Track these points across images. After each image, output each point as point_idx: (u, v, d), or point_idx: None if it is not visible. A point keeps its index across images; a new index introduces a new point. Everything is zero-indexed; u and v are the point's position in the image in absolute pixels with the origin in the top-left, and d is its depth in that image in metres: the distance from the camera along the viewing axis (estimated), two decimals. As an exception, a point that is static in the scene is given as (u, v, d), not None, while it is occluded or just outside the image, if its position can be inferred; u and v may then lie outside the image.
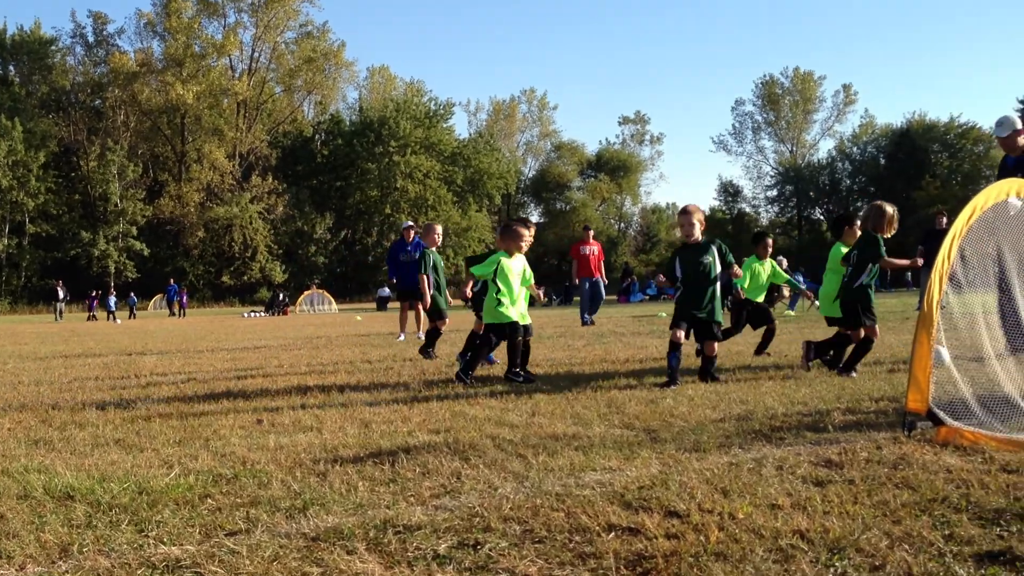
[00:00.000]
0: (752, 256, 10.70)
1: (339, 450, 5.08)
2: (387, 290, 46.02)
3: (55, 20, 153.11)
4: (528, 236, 8.91)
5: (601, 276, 20.11)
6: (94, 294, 48.73)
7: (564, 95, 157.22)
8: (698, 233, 8.11)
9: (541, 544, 3.23)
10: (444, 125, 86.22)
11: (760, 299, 10.58)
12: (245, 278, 75.25)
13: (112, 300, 47.30)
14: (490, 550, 3.17)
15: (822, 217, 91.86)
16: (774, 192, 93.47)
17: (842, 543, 3.10)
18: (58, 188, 71.09)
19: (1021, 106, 70.83)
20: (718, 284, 8.15)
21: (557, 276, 63.93)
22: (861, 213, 8.80)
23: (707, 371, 8.08)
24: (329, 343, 16.03)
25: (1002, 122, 9.51)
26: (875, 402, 6.39)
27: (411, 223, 17.35)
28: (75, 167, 74.76)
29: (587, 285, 19.88)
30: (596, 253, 20.06)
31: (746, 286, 10.47)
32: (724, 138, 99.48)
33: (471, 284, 9.81)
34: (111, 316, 44.83)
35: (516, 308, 8.56)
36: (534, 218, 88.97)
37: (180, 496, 4.04)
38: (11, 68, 78.22)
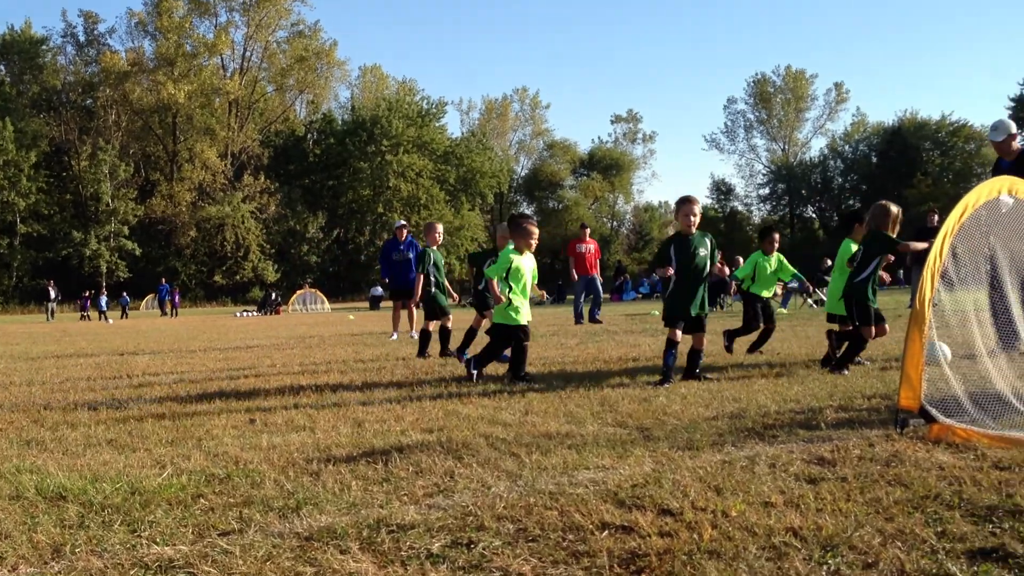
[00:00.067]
0: (757, 251, 10.74)
1: (332, 449, 5.07)
2: (380, 289, 46.03)
3: (46, 20, 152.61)
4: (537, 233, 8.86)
5: (597, 274, 20.11)
6: (87, 294, 48.61)
7: (556, 94, 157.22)
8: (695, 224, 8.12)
9: (535, 543, 3.23)
10: (436, 124, 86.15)
11: (767, 294, 10.57)
12: (237, 277, 75.10)
13: (104, 300, 47.19)
14: (484, 549, 3.16)
15: (814, 215, 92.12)
16: (766, 190, 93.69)
17: (835, 540, 3.11)
18: (49, 188, 70.88)
19: (1013, 104, 71.13)
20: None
21: (550, 275, 63.98)
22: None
23: (695, 366, 8.06)
24: (322, 342, 16.01)
25: (997, 126, 9.57)
26: (867, 399, 6.40)
27: (404, 222, 17.32)
28: (66, 167, 74.53)
29: (583, 283, 19.88)
30: (593, 251, 20.06)
31: (751, 281, 10.50)
32: (716, 136, 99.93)
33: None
34: (103, 316, 44.72)
35: (525, 309, 8.55)
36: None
37: (173, 496, 4.03)
38: (2, 68, 77.86)
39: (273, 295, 49.26)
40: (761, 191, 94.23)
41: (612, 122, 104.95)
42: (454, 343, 10.93)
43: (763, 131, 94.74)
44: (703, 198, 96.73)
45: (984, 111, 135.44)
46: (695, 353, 8.12)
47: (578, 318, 19.56)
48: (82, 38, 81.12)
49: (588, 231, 21.06)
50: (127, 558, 3.18)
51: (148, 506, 3.87)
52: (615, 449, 4.81)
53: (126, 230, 72.03)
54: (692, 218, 8.01)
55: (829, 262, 32.81)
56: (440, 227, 12.44)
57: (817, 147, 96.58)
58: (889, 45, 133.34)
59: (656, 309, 22.93)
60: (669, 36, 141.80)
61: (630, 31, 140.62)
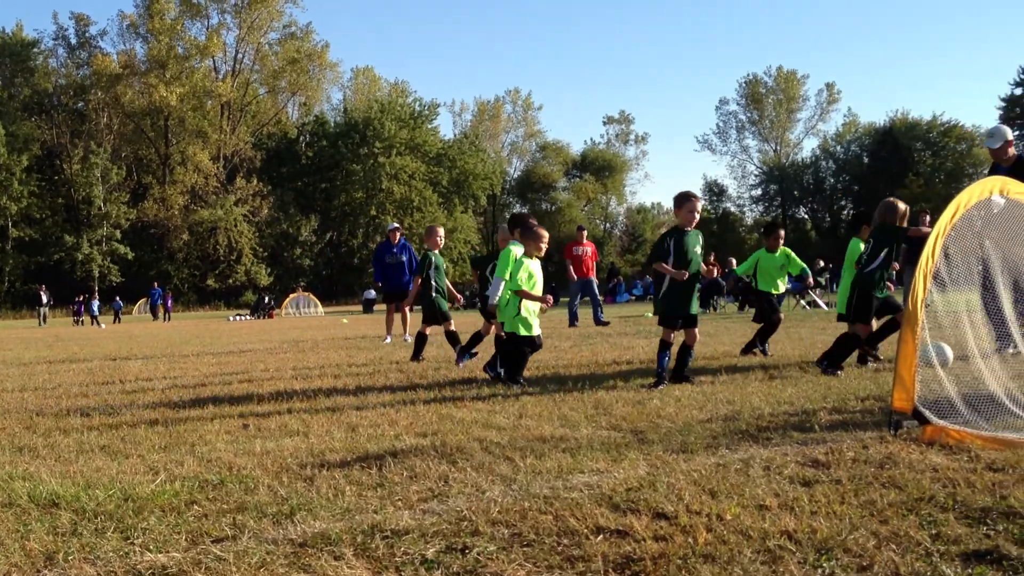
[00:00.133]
0: (761, 249, 10.78)
1: (326, 454, 5.07)
2: (373, 292, 45.98)
3: (37, 22, 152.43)
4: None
5: (594, 276, 20.09)
6: (80, 298, 48.48)
7: (549, 95, 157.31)
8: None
9: (529, 547, 3.22)
10: (429, 126, 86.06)
11: (776, 290, 10.59)
12: (230, 281, 74.91)
13: (96, 304, 47.05)
14: (478, 554, 3.16)
15: (807, 216, 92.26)
16: (758, 191, 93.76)
17: (830, 543, 3.11)
18: (41, 192, 70.63)
19: (1004, 104, 71.37)
20: None
21: (544, 277, 63.87)
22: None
23: (684, 365, 8.03)
24: (315, 346, 15.98)
25: (993, 133, 9.62)
26: (861, 401, 6.42)
27: (397, 225, 17.30)
28: (58, 170, 74.31)
29: (580, 286, 19.88)
30: (590, 254, 20.03)
31: (754, 278, 10.55)
32: (708, 137, 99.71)
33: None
34: (95, 321, 44.60)
35: (536, 319, 8.52)
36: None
37: (166, 502, 4.02)
38: (-8, 71, 77.73)
39: (266, 299, 49.18)
40: (753, 192, 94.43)
41: (604, 123, 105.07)
42: (441, 348, 10.91)
43: (755, 132, 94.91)
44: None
45: (975, 112, 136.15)
46: (687, 349, 8.09)
47: (572, 320, 19.55)
48: (73, 41, 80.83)
49: (585, 233, 21.04)
50: (120, 565, 3.17)
51: (141, 513, 3.86)
52: (609, 453, 4.81)
53: (118, 234, 71.79)
54: (695, 214, 8.02)
55: (822, 263, 32.99)
56: (441, 230, 12.42)
57: (809, 148, 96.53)
58: (880, 45, 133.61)
59: (649, 311, 22.94)
60: (661, 37, 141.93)
61: (622, 32, 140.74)
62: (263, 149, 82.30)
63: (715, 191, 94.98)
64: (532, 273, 8.38)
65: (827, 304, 24.48)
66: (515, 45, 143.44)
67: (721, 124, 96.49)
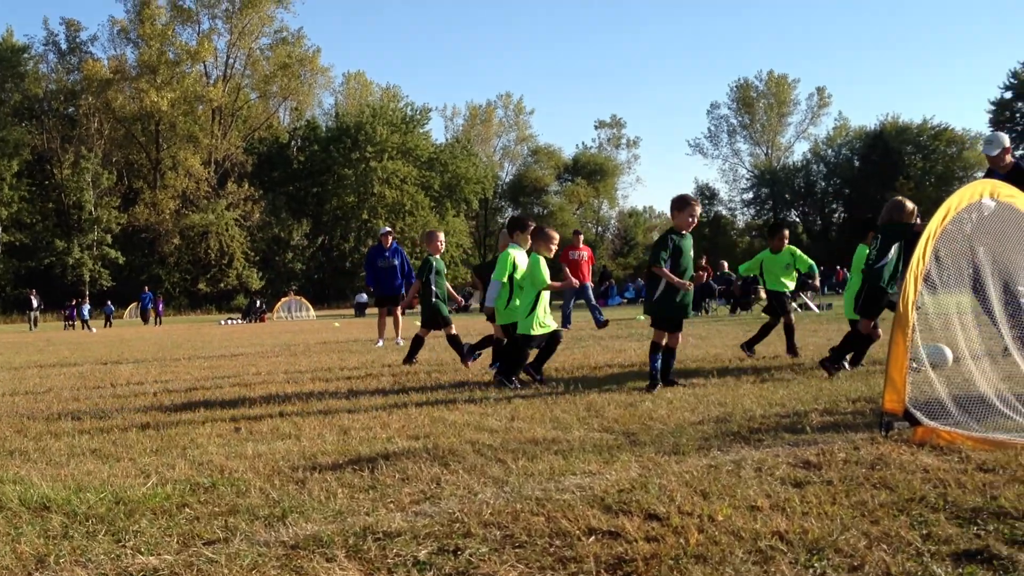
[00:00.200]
0: (765, 250, 10.81)
1: (318, 457, 5.06)
2: (365, 296, 45.94)
3: (27, 28, 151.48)
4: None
5: (588, 281, 20.08)
6: (72, 303, 48.34)
7: (540, 99, 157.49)
8: None
9: (521, 549, 3.22)
10: (421, 130, 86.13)
11: (784, 289, 10.60)
12: (222, 285, 74.81)
13: (86, 309, 46.91)
14: (470, 556, 3.16)
15: (798, 219, 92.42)
16: (750, 195, 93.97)
17: (821, 544, 3.12)
18: (32, 196, 70.50)
19: (993, 108, 71.64)
20: None
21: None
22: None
23: (669, 369, 8.04)
24: (307, 350, 15.96)
25: (991, 140, 9.67)
26: (852, 403, 6.43)
27: (389, 229, 17.30)
28: (49, 175, 74.14)
29: (574, 289, 19.84)
30: (586, 258, 20.01)
31: (760, 278, 10.61)
32: (700, 141, 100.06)
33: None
34: (85, 325, 44.48)
35: (549, 315, 8.63)
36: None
37: (157, 505, 4.01)
38: (-17, 76, 77.50)
39: (258, 303, 49.09)
40: (745, 196, 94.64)
41: (596, 127, 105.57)
42: (432, 351, 10.89)
43: (746, 136, 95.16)
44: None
45: (965, 115, 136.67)
46: (671, 352, 8.10)
47: (565, 322, 19.55)
48: (64, 46, 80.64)
49: (582, 238, 21.01)
50: (112, 568, 3.17)
51: (133, 516, 3.85)
52: (601, 454, 4.81)
53: (109, 238, 71.65)
54: (694, 219, 8.04)
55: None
56: (442, 235, 12.41)
57: (800, 151, 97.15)
58: (871, 50, 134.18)
59: (640, 314, 22.95)
60: (653, 42, 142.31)
61: (614, 37, 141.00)
62: (254, 154, 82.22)
63: (707, 195, 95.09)
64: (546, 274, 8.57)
65: (818, 307, 24.54)
66: (507, 50, 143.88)
67: (713, 128, 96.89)
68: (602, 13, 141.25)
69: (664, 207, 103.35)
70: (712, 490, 3.92)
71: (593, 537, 3.31)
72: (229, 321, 44.23)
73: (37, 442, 6.06)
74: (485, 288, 10.34)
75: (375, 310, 18.53)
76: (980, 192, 5.47)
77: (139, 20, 76.58)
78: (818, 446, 4.80)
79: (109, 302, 53.79)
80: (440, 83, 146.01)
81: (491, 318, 9.65)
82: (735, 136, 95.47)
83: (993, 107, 72.01)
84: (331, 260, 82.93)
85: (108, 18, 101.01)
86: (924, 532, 3.22)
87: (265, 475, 4.62)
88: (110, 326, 46.98)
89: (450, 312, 11.52)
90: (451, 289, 12.03)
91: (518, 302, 8.73)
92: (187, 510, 3.94)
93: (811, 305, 24.49)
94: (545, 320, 8.52)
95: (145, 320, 49.05)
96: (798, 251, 10.66)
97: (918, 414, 4.90)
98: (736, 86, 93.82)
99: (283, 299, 52.31)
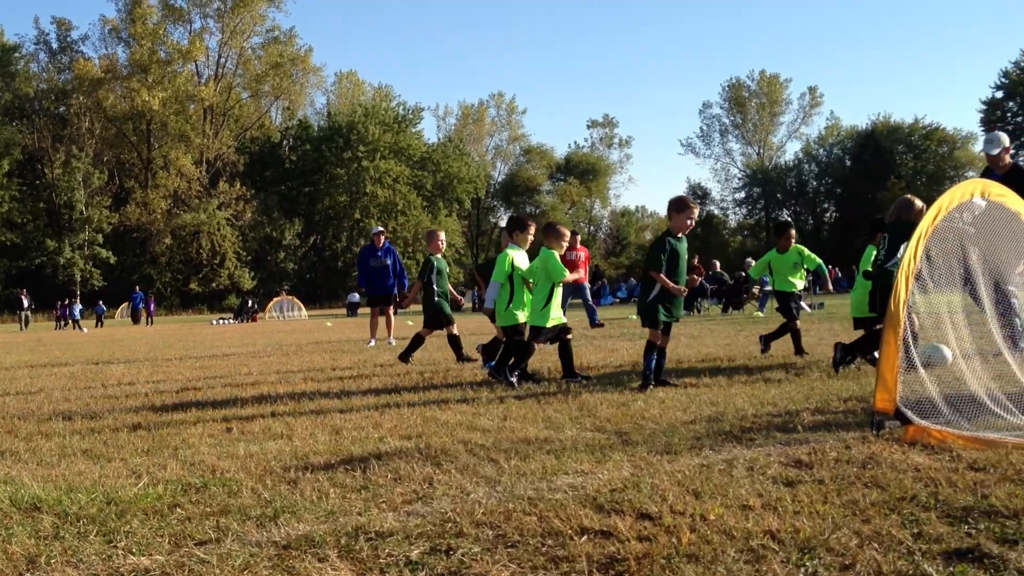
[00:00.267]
0: (771, 250, 10.83)
1: (310, 457, 5.05)
2: (357, 296, 45.88)
3: (18, 27, 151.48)
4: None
5: (586, 281, 20.08)
6: (64, 303, 48.19)
7: (533, 99, 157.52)
8: None
9: (514, 548, 3.22)
10: (413, 130, 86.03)
11: (793, 289, 10.62)
12: (213, 285, 74.61)
13: (78, 308, 46.77)
14: (463, 555, 3.16)
15: (790, 219, 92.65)
16: (742, 194, 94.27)
17: (812, 543, 3.12)
18: (22, 196, 70.18)
19: (984, 107, 71.87)
20: None
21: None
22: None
23: (660, 369, 8.04)
24: (299, 350, 15.94)
25: (991, 139, 9.71)
26: (844, 402, 6.45)
27: (381, 228, 17.26)
28: (39, 175, 73.82)
29: (570, 289, 19.83)
30: (583, 258, 20.00)
31: (770, 279, 10.64)
32: (692, 141, 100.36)
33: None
34: (76, 325, 44.34)
35: (559, 308, 8.70)
36: (503, 223, 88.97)
37: (149, 506, 4.00)
38: (-27, 76, 77.18)
39: (249, 302, 48.99)
40: (737, 195, 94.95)
41: (588, 127, 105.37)
42: (426, 351, 10.88)
43: (738, 135, 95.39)
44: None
45: (957, 115, 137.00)
46: (661, 352, 8.10)
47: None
48: (55, 45, 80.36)
49: (579, 238, 20.99)
50: (103, 569, 3.16)
51: (124, 516, 3.84)
52: (594, 454, 4.81)
53: (100, 238, 71.39)
54: (692, 222, 8.03)
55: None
56: (443, 235, 12.40)
57: (792, 151, 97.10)
58: (863, 49, 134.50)
59: (633, 313, 22.97)
60: (645, 41, 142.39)
61: (606, 36, 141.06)
62: (246, 153, 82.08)
63: (699, 194, 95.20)
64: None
65: (810, 306, 24.56)
66: (499, 49, 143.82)
67: (705, 128, 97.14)
68: (594, 13, 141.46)
69: (656, 207, 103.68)
70: (704, 489, 3.93)
71: (585, 536, 3.32)
72: (221, 321, 44.15)
73: (28, 442, 6.04)
74: (486, 287, 10.36)
75: (367, 310, 18.51)
76: (971, 191, 5.48)
77: (130, 19, 76.35)
78: (810, 445, 4.81)
79: (100, 302, 53.65)
80: (432, 82, 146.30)
81: (492, 318, 9.66)
82: (727, 136, 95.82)
83: (984, 107, 72.26)
84: (323, 260, 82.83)
85: (99, 17, 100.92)
86: (915, 531, 3.23)
87: (257, 475, 4.61)
88: (101, 326, 46.85)
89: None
90: (452, 290, 12.02)
91: (526, 297, 8.75)
92: (178, 510, 3.93)
93: (803, 305, 24.52)
94: (556, 313, 8.58)
95: (136, 320, 48.91)
96: (805, 250, 10.65)
97: (909, 413, 4.91)
98: (728, 85, 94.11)
99: (275, 299, 52.23)
